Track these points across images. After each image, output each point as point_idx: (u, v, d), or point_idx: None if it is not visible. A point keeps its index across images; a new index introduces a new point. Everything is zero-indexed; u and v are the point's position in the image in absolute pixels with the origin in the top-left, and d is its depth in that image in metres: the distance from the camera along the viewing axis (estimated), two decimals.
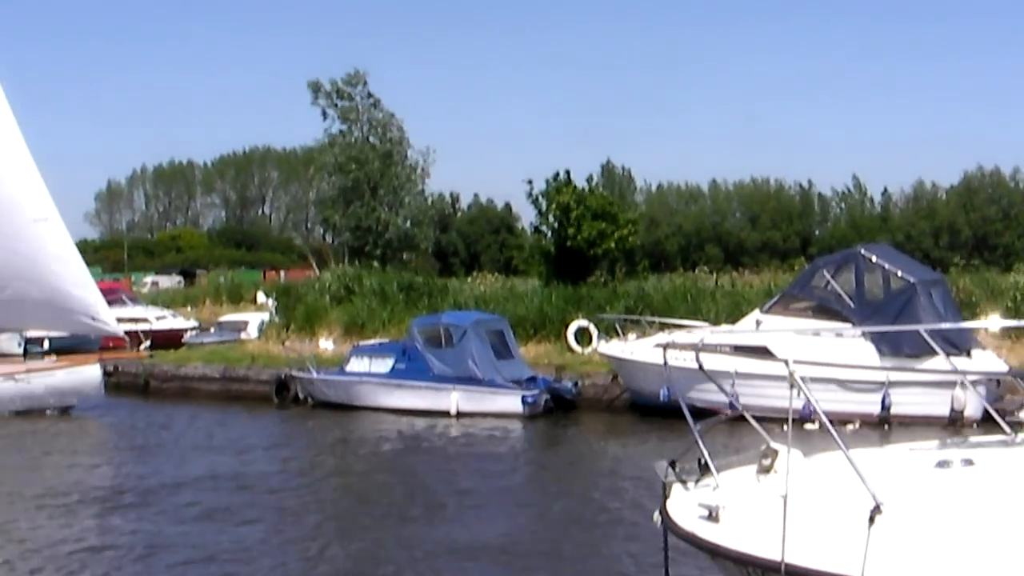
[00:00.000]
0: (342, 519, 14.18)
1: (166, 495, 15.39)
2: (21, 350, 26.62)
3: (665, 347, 6.97)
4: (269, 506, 14.62)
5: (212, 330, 36.73)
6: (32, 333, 27.41)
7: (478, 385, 22.77)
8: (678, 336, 21.66)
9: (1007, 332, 23.24)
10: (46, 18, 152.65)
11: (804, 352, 18.62)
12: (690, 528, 5.94)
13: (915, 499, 5.34)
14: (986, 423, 16.14)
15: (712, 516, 5.82)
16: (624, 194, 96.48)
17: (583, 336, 26.04)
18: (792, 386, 5.48)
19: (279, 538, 12.76)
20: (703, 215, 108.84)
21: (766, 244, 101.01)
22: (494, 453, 19.20)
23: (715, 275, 39.72)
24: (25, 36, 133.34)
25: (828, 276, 21.74)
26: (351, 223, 54.61)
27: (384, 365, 23.93)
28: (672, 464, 6.29)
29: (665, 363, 6.87)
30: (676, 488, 6.29)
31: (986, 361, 20.07)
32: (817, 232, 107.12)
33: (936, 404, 19.39)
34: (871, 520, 5.11)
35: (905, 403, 19.79)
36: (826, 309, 21.14)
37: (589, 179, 36.18)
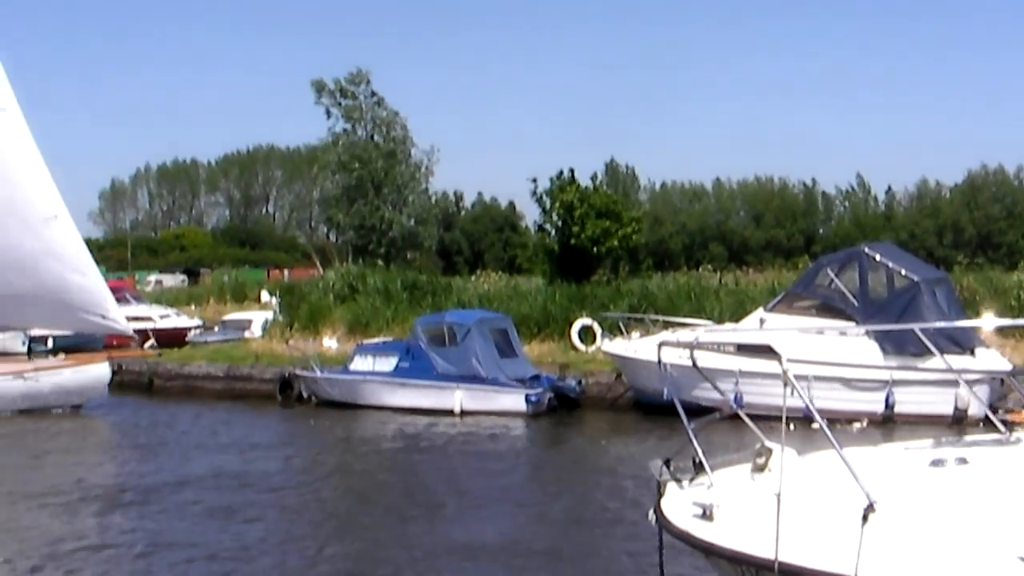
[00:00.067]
0: (343, 518, 14.18)
1: (168, 493, 15.41)
2: (25, 348, 26.64)
3: (660, 345, 6.95)
4: (271, 505, 14.64)
5: (216, 329, 36.82)
6: (36, 331, 27.41)
7: (482, 384, 22.77)
8: (674, 334, 21.65)
9: (1011, 331, 23.21)
10: (51, 16, 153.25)
11: (808, 351, 18.64)
12: (684, 527, 5.94)
13: (909, 498, 5.34)
14: (991, 422, 16.10)
15: (706, 515, 5.82)
16: (628, 192, 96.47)
17: (587, 335, 26.03)
18: (786, 384, 5.48)
19: (280, 537, 12.77)
20: (707, 213, 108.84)
21: (770, 243, 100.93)
22: (497, 452, 19.21)
23: (719, 273, 39.60)
24: (29, 35, 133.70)
25: (832, 275, 21.74)
26: (355, 222, 54.66)
27: (388, 364, 23.93)
28: (667, 463, 6.30)
29: (659, 361, 6.87)
30: (671, 487, 6.29)
31: (990, 360, 20.05)
32: (821, 231, 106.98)
33: (940, 403, 19.38)
34: (865, 519, 5.11)
35: (909, 402, 19.78)
36: (830, 308, 21.13)
37: (593, 177, 36.05)
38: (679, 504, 6.11)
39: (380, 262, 45.25)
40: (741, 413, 6.39)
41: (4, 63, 24.45)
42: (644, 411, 21.70)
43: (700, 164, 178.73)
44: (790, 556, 5.34)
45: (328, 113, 54.57)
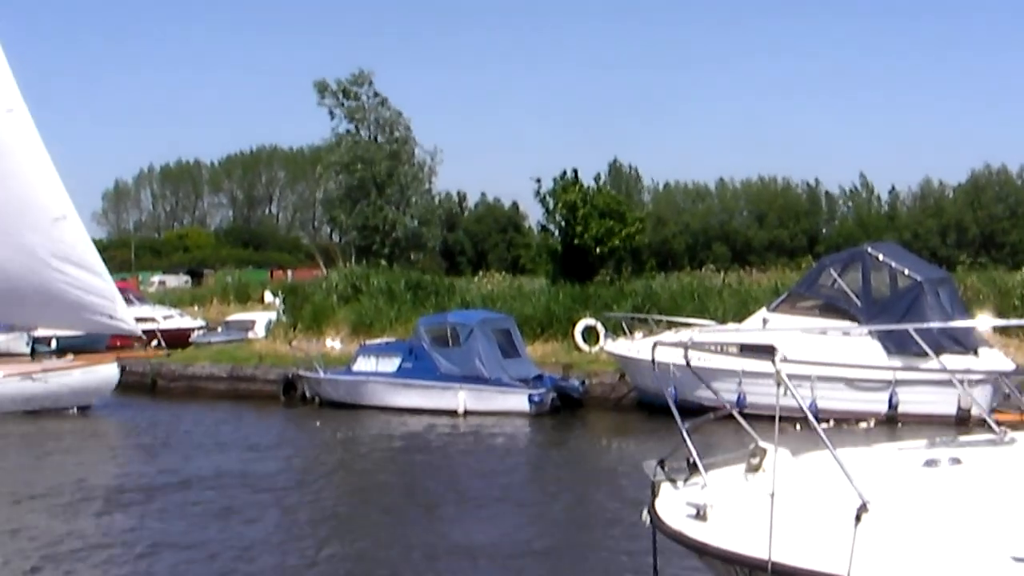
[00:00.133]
0: (344, 518, 14.20)
1: (170, 493, 15.45)
2: (29, 349, 26.67)
3: (655, 346, 6.97)
4: (273, 505, 14.65)
5: (219, 329, 36.84)
6: (39, 332, 27.44)
7: (485, 384, 22.77)
8: (676, 334, 21.67)
9: (1015, 330, 23.19)
10: (51, 16, 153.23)
11: (811, 351, 18.64)
12: (678, 527, 5.94)
13: (902, 498, 5.34)
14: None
15: (700, 515, 5.83)
16: (631, 193, 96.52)
17: (590, 335, 26.03)
18: (779, 384, 5.48)
19: (281, 537, 12.79)
20: (710, 214, 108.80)
21: (773, 243, 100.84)
22: (499, 452, 19.20)
23: (722, 274, 39.63)
24: (29, 35, 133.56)
25: (835, 275, 21.73)
26: (358, 222, 54.71)
27: (391, 364, 23.93)
28: (661, 463, 6.30)
29: (653, 361, 6.88)
30: (665, 487, 6.30)
31: (993, 360, 20.01)
32: (824, 230, 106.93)
33: (943, 403, 19.32)
34: (858, 519, 5.11)
35: (912, 402, 19.75)
36: (833, 308, 21.11)
37: (596, 178, 36.05)
38: (673, 504, 6.12)
39: (383, 263, 45.24)
40: (735, 413, 6.39)
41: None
42: (647, 411, 21.68)
43: (701, 164, 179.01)
44: (783, 556, 5.34)
45: (331, 114, 54.74)
